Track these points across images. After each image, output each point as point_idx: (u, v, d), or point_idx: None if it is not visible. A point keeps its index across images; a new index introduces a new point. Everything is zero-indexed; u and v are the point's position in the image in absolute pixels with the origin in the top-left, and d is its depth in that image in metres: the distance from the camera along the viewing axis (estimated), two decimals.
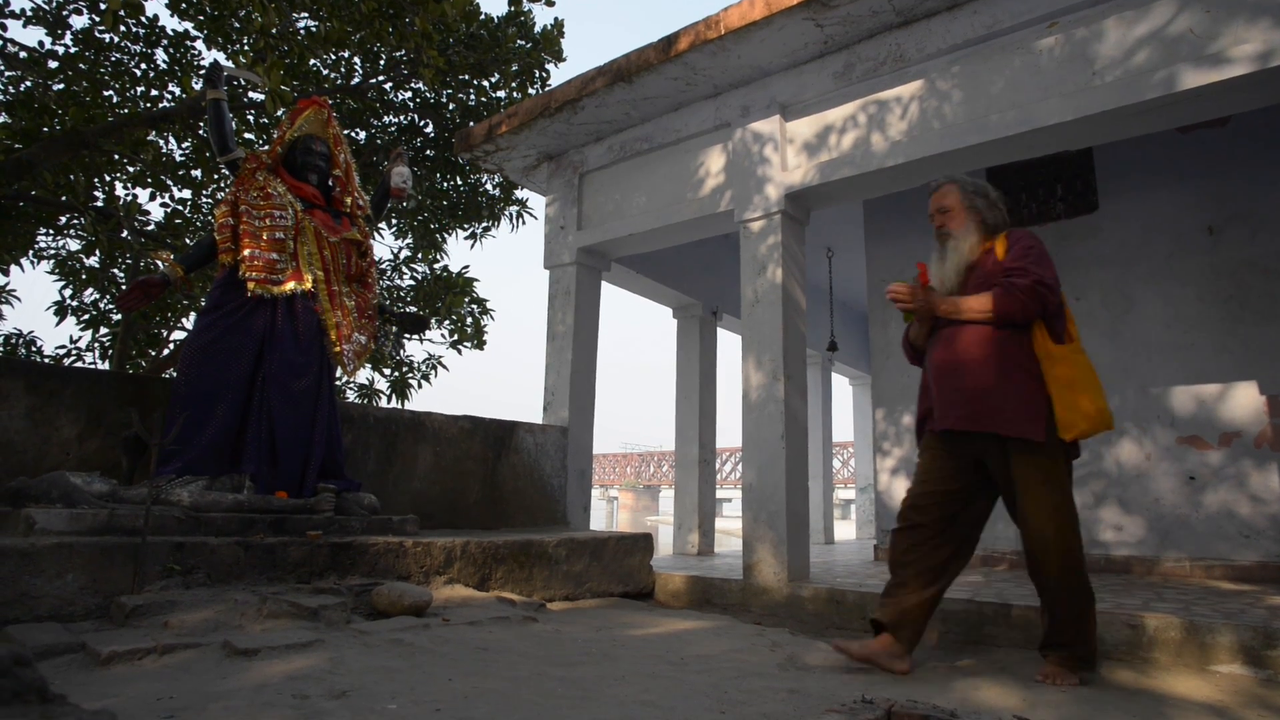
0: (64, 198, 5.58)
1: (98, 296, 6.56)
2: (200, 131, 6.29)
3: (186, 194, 6.75)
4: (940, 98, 3.55)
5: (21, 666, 0.70)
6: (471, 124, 6.52)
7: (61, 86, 5.84)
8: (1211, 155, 4.59)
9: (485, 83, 6.94)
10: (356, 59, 6.81)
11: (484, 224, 7.78)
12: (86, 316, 6.43)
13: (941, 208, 2.58)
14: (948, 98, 3.53)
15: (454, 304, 7.06)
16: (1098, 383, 2.28)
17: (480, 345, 7.36)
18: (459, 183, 7.57)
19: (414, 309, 7.34)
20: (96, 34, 5.82)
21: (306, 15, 5.84)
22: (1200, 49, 2.93)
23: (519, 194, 7.81)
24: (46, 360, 6.35)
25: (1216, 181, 4.55)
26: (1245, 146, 4.49)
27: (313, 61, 6.24)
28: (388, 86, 7.04)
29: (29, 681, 0.70)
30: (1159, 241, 4.69)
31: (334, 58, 6.72)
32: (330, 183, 3.51)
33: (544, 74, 6.92)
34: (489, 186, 7.72)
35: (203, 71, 5.94)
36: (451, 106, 7.10)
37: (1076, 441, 2.28)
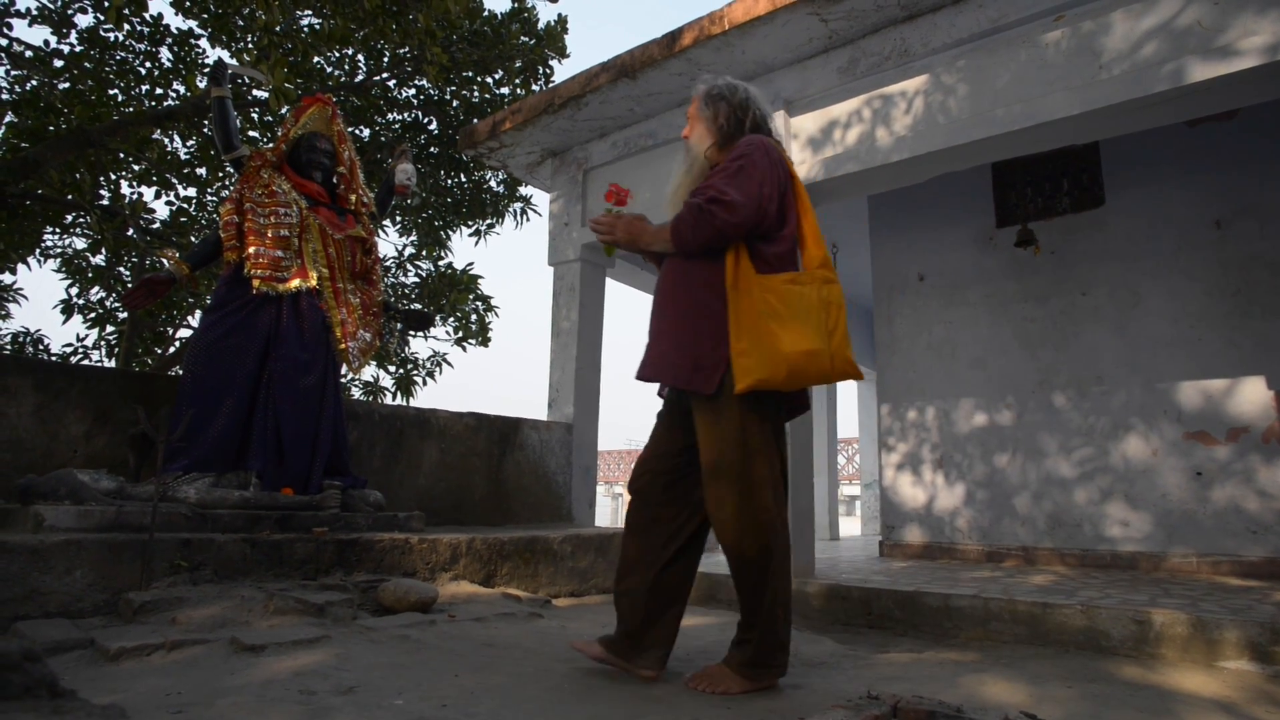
0: (70, 196, 5.60)
1: (104, 295, 6.59)
2: (205, 130, 6.31)
3: (191, 192, 6.77)
4: (945, 92, 3.53)
5: (32, 662, 0.71)
6: (475, 121, 6.52)
7: (67, 85, 5.85)
8: (1220, 149, 4.56)
9: (489, 79, 6.94)
10: (360, 56, 6.82)
11: (488, 221, 7.78)
12: (93, 315, 6.46)
13: (688, 118, 2.20)
14: (953, 92, 3.51)
15: (458, 301, 7.07)
16: (819, 319, 1.84)
17: (485, 342, 7.36)
18: (463, 180, 7.57)
19: (419, 306, 7.35)
20: (101, 33, 5.83)
21: (310, 13, 5.85)
22: (1209, 41, 2.91)
23: (523, 191, 7.81)
24: (53, 358, 6.38)
25: (1225, 175, 4.52)
26: (1254, 140, 4.46)
27: (316, 59, 6.25)
28: (391, 84, 7.04)
29: (40, 676, 0.70)
30: (1166, 236, 4.66)
31: (338, 55, 6.72)
32: (335, 180, 3.51)
33: (548, 70, 6.91)
34: (493, 183, 7.72)
35: (207, 69, 5.96)
36: (455, 103, 7.10)
37: (778, 393, 1.87)
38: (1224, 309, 4.41)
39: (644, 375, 1.98)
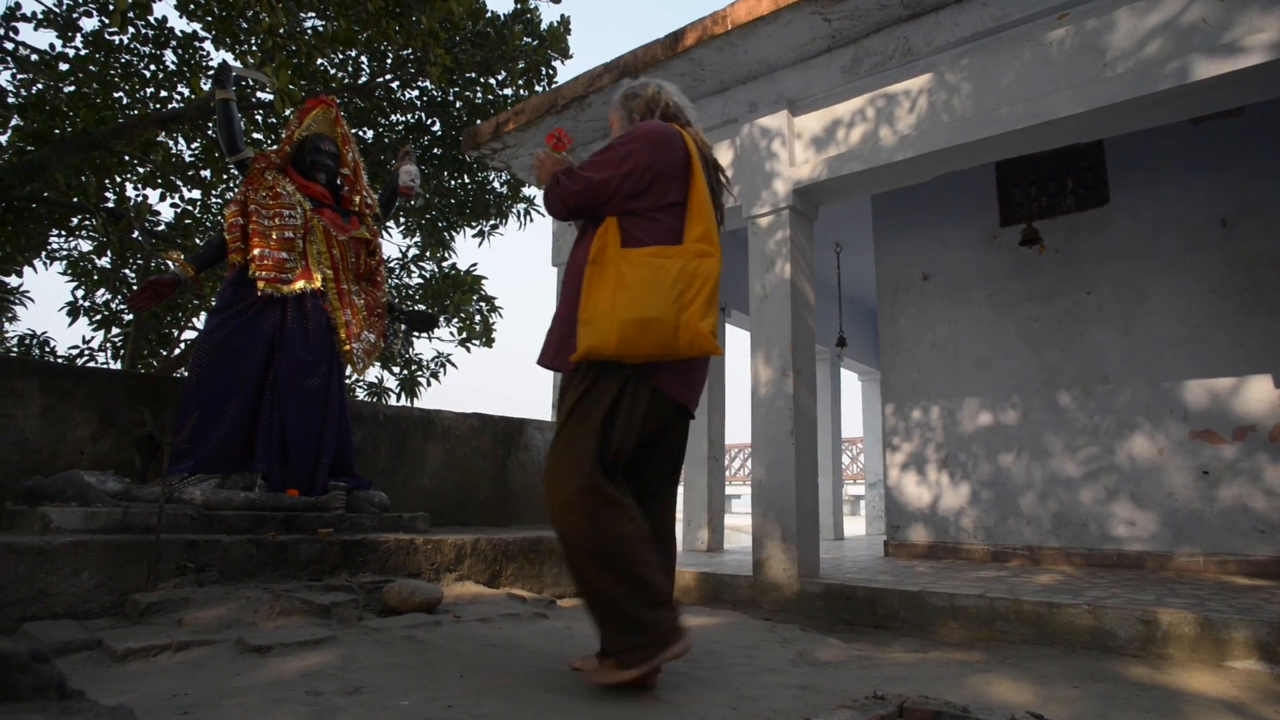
0: (75, 199, 5.62)
1: (109, 297, 6.61)
2: (209, 132, 6.33)
3: (196, 194, 6.79)
4: (949, 91, 3.52)
5: (41, 663, 0.71)
6: (479, 122, 6.52)
7: (72, 88, 5.88)
8: (1225, 147, 4.55)
9: (492, 80, 6.94)
10: (364, 58, 6.83)
11: (492, 222, 7.78)
12: (99, 317, 6.48)
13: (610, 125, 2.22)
14: (957, 91, 3.50)
15: (462, 302, 7.07)
16: (669, 290, 1.77)
17: (489, 343, 7.37)
18: (466, 181, 7.58)
19: (423, 307, 7.36)
20: (106, 36, 5.85)
21: (314, 15, 5.86)
22: (1214, 39, 2.90)
23: (526, 191, 7.81)
24: (60, 360, 6.41)
25: (1230, 173, 4.51)
26: (1259, 137, 4.44)
27: (320, 61, 6.26)
28: (395, 85, 7.05)
29: (48, 677, 0.71)
30: (1171, 234, 4.65)
31: (341, 57, 6.73)
32: (339, 181, 3.52)
33: (550, 71, 6.91)
34: (496, 184, 7.73)
35: (211, 72, 5.98)
36: (459, 104, 7.11)
37: (630, 364, 1.80)
38: (1230, 308, 4.40)
39: (538, 360, 2.01)
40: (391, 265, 7.68)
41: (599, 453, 1.80)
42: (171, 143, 6.60)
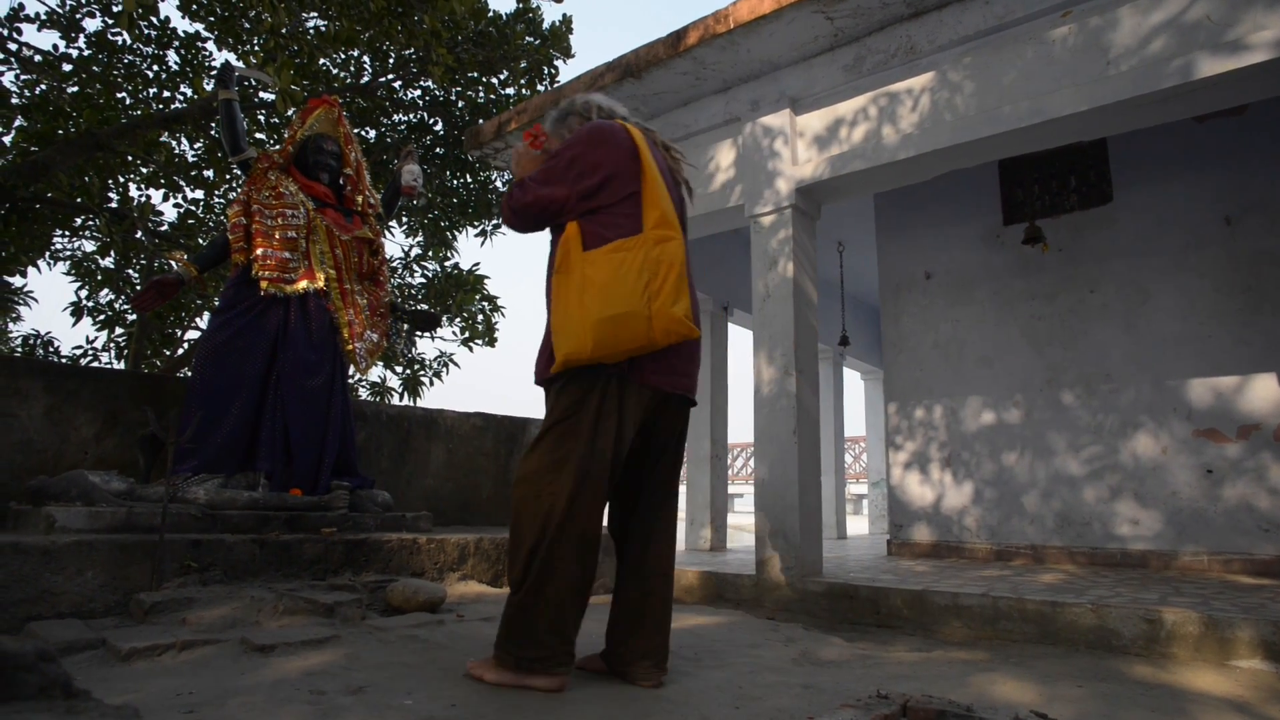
0: (79, 199, 5.64)
1: (113, 297, 6.62)
2: (212, 132, 6.33)
3: (199, 194, 6.80)
4: (952, 89, 3.52)
5: (46, 662, 0.71)
6: (481, 121, 6.53)
7: (75, 89, 5.89)
8: (1229, 144, 4.53)
9: (494, 80, 6.95)
10: (366, 58, 6.83)
11: (494, 221, 7.79)
12: (102, 317, 6.49)
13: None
14: (959, 89, 3.50)
15: (465, 301, 7.08)
16: (635, 282, 1.73)
17: (491, 342, 7.37)
18: (469, 180, 7.58)
19: (425, 307, 7.37)
20: (109, 36, 5.86)
21: (316, 15, 5.86)
22: (1218, 36, 2.89)
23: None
24: (64, 360, 6.42)
25: (1234, 171, 4.49)
26: (1263, 135, 4.43)
27: (322, 61, 6.26)
28: (397, 85, 7.06)
29: (54, 677, 0.71)
30: (1175, 232, 4.64)
31: (343, 57, 6.74)
32: (341, 181, 3.52)
33: (553, 71, 6.91)
34: (499, 184, 7.73)
35: (214, 72, 5.99)
36: (461, 104, 7.11)
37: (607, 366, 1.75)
38: (1234, 306, 4.39)
39: (534, 380, 1.99)
40: (394, 265, 7.69)
41: (592, 467, 1.76)
42: (174, 143, 6.61)
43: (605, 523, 1.97)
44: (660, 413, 1.92)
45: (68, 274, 6.56)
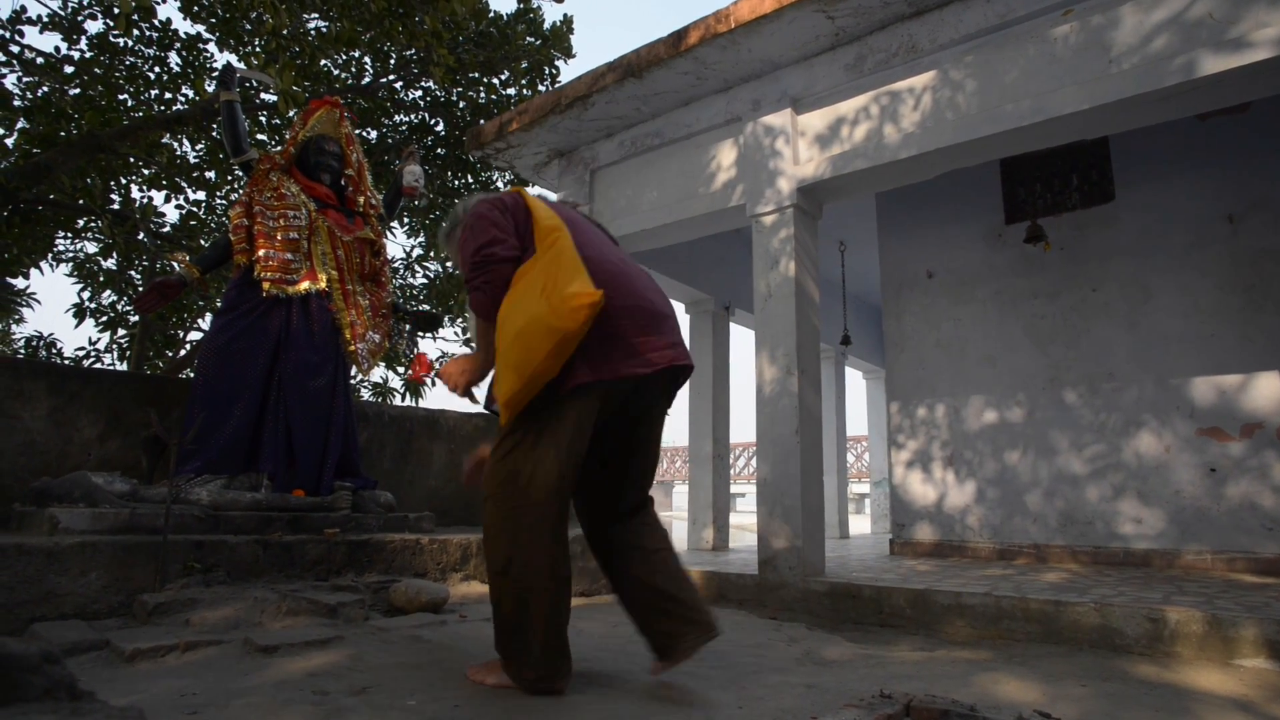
0: (81, 201, 5.65)
1: (115, 298, 6.64)
2: (214, 134, 6.34)
3: (201, 196, 6.81)
4: (953, 88, 3.51)
5: (51, 664, 0.71)
6: (482, 122, 6.53)
7: (77, 91, 5.90)
8: (1231, 142, 4.53)
9: (495, 80, 6.95)
10: (367, 59, 6.84)
11: None
12: (105, 318, 6.51)
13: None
14: (961, 88, 3.49)
15: (466, 302, 7.09)
16: (530, 297, 1.66)
17: None
18: (470, 181, 7.59)
19: (427, 307, 7.38)
20: (111, 38, 5.87)
21: (317, 16, 5.87)
22: (1220, 34, 2.88)
23: (530, 191, 7.82)
24: (66, 362, 6.43)
25: (1237, 170, 4.48)
26: (1266, 133, 4.42)
27: (324, 62, 6.27)
28: (398, 85, 7.06)
29: (58, 678, 0.71)
30: (1177, 231, 4.63)
31: (345, 58, 6.75)
32: (343, 182, 3.53)
33: (554, 71, 6.92)
34: (500, 184, 7.74)
35: (215, 74, 5.99)
36: (462, 105, 7.12)
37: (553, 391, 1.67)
38: (1237, 304, 4.38)
39: None
40: (396, 266, 7.70)
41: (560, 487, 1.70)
42: (176, 145, 6.62)
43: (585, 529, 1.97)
44: (637, 395, 1.81)
45: (70, 275, 6.58)
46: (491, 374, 1.88)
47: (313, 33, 5.77)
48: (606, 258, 1.81)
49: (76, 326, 6.62)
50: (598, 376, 1.69)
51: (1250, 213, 4.42)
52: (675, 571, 1.87)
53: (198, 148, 6.75)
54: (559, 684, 1.73)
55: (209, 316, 6.68)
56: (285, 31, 5.09)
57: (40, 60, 5.73)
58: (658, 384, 1.82)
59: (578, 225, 1.90)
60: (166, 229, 6.47)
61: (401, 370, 7.37)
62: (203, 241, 6.47)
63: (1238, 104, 3.89)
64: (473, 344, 2.04)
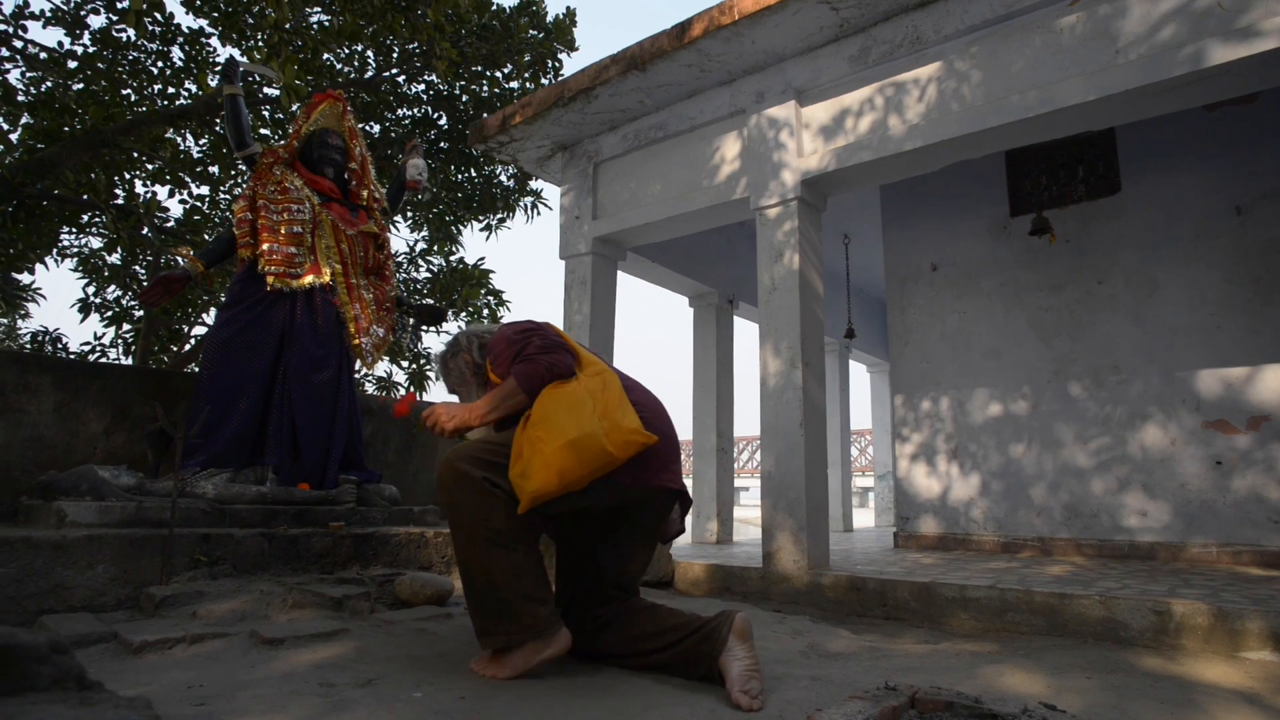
0: (85, 196, 5.66)
1: (120, 293, 6.65)
2: (217, 128, 6.34)
3: (204, 190, 6.82)
4: (959, 79, 3.49)
5: (60, 654, 0.72)
6: (485, 115, 6.52)
7: (81, 86, 5.90)
8: (1239, 133, 4.49)
9: (498, 74, 6.94)
10: (369, 52, 6.83)
11: (499, 215, 7.79)
12: (110, 313, 6.52)
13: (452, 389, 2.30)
14: (967, 79, 3.47)
15: (470, 296, 7.09)
16: (583, 409, 1.82)
17: None
18: (473, 175, 7.58)
19: (431, 301, 7.38)
20: (114, 33, 5.87)
21: (319, 10, 5.86)
22: (1229, 23, 2.86)
23: (533, 185, 7.81)
24: (72, 357, 6.46)
25: (1244, 160, 4.45)
26: (1275, 124, 4.39)
27: (326, 56, 6.26)
28: (401, 79, 7.05)
29: (67, 668, 0.71)
30: (1184, 223, 4.60)
31: (347, 52, 6.74)
32: (346, 176, 3.52)
33: (557, 64, 6.90)
34: (503, 178, 7.73)
35: (218, 68, 5.99)
36: (465, 98, 7.10)
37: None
38: (1244, 296, 4.35)
39: None
40: (399, 259, 7.70)
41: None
42: (180, 139, 6.63)
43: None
44: (644, 506, 1.98)
45: (75, 270, 6.59)
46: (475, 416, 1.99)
47: (315, 27, 5.76)
48: (646, 402, 2.00)
49: (82, 322, 6.69)
50: (635, 485, 1.87)
51: (1258, 204, 4.39)
52: (660, 614, 1.94)
53: (201, 143, 6.75)
54: (551, 630, 1.79)
55: (213, 311, 6.69)
56: (287, 25, 5.09)
57: (43, 55, 5.73)
58: (667, 500, 2.01)
59: (614, 369, 2.09)
60: (171, 224, 6.48)
61: (405, 364, 7.38)
62: (206, 236, 6.48)
63: (1246, 94, 3.86)
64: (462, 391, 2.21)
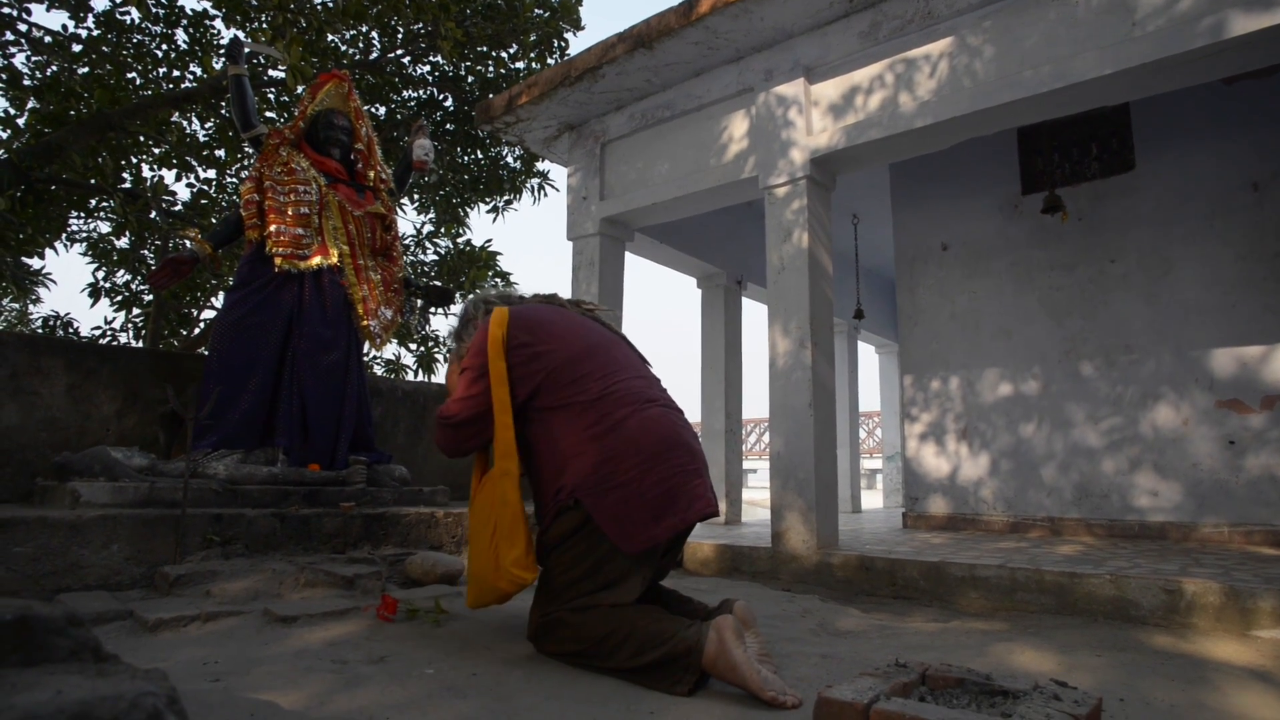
0: (93, 180, 5.66)
1: (129, 277, 6.68)
2: (223, 111, 6.33)
3: (211, 173, 6.82)
4: (971, 54, 3.43)
5: (76, 627, 0.72)
6: (491, 96, 6.47)
7: (86, 70, 5.89)
8: (1257, 108, 4.41)
9: (504, 54, 6.87)
10: (374, 33, 6.78)
11: (506, 197, 7.75)
12: (119, 297, 6.56)
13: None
14: (979, 54, 3.41)
15: (478, 277, 7.08)
16: (483, 538, 1.80)
17: None
18: (480, 156, 7.55)
19: (438, 283, 7.38)
20: (118, 15, 5.84)
21: None
22: None
23: (540, 166, 7.77)
24: (83, 341, 6.50)
25: (1262, 135, 4.38)
26: None
27: (331, 37, 6.21)
28: (406, 60, 7.00)
29: (84, 641, 0.72)
30: (1199, 200, 4.53)
31: (352, 33, 6.69)
32: (353, 156, 3.51)
33: (563, 43, 6.83)
34: (510, 159, 7.69)
35: (223, 50, 5.96)
36: (470, 79, 7.05)
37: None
38: (1260, 274, 4.30)
39: None
40: (406, 241, 7.69)
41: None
42: (185, 123, 6.61)
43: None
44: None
45: (84, 255, 6.62)
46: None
47: (319, 7, 5.71)
48: (649, 429, 1.77)
49: (92, 306, 6.72)
50: (672, 530, 1.73)
51: (1276, 180, 4.31)
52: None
53: (207, 126, 6.74)
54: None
55: (222, 295, 6.71)
56: (292, 6, 5.05)
57: (48, 39, 5.71)
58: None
59: (624, 379, 1.85)
60: (178, 207, 6.48)
61: (414, 346, 7.40)
62: (214, 219, 6.48)
63: (1266, 67, 3.78)
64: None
